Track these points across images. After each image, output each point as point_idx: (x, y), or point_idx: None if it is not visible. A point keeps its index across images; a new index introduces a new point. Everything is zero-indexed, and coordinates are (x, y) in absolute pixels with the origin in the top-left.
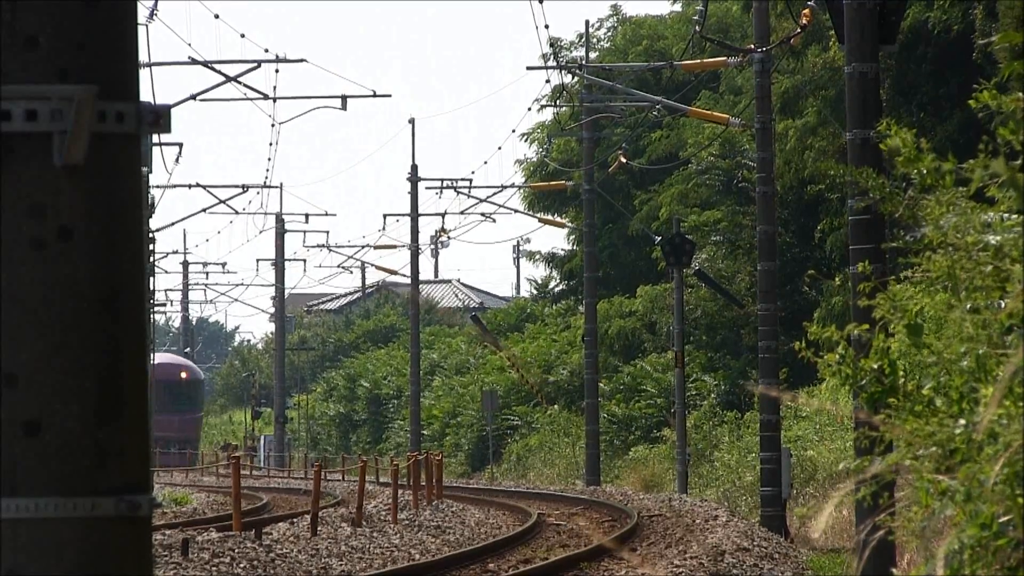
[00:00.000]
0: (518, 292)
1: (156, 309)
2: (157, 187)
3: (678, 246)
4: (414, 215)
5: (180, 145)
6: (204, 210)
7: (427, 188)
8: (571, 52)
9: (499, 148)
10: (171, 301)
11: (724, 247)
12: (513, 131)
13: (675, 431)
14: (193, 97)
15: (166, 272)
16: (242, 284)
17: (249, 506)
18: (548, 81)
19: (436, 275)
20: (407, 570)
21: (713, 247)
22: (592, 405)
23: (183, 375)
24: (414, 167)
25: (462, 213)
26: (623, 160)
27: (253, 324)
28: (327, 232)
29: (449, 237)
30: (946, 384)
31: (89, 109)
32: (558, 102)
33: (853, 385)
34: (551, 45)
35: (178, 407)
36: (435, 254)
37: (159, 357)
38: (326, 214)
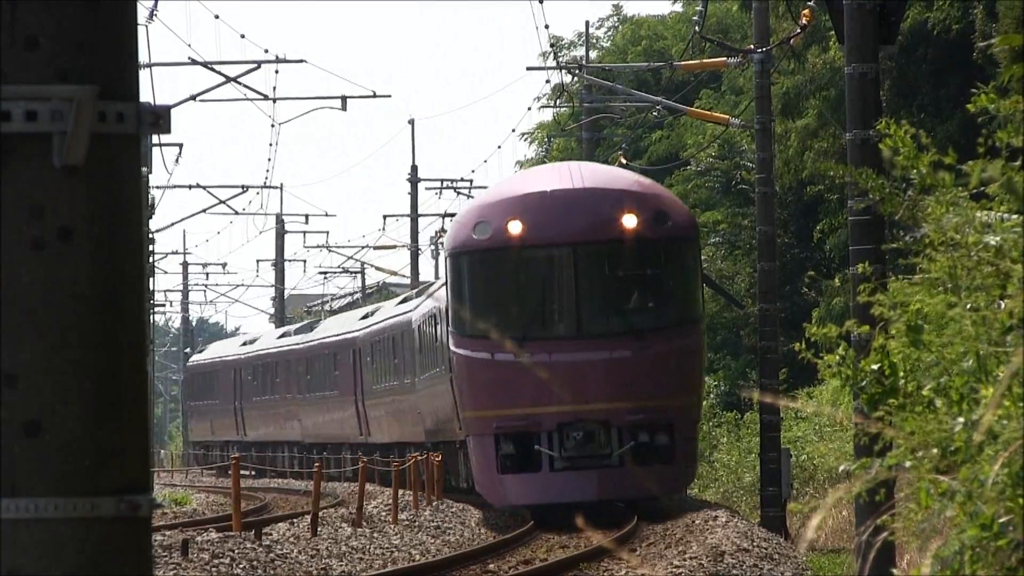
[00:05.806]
0: None
1: (156, 309)
2: (157, 187)
3: None
4: (414, 215)
5: (180, 145)
6: (204, 210)
7: (427, 188)
8: (571, 52)
9: (499, 148)
10: (171, 301)
11: (724, 248)
12: (513, 131)
13: None
14: (193, 97)
15: (166, 272)
16: (242, 285)
17: (249, 506)
18: (548, 81)
19: (436, 276)
20: (407, 571)
21: (713, 248)
22: None
23: (629, 224)
24: (414, 167)
25: None
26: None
27: (253, 325)
28: (327, 232)
29: None
30: (946, 385)
31: (89, 109)
32: (558, 102)
33: (853, 386)
34: (551, 45)
35: (622, 320)
36: (435, 255)
37: (542, 177)
38: (326, 214)
